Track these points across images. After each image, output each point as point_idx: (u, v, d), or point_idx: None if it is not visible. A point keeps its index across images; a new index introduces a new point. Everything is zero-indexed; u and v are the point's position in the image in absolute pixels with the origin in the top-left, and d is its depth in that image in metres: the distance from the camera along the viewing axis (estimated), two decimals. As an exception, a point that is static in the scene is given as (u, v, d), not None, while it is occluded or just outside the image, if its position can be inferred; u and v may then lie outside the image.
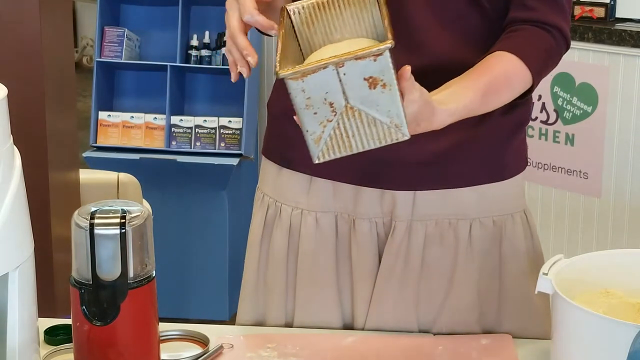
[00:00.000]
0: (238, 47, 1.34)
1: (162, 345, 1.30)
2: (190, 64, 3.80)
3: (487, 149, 1.51)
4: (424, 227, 1.51)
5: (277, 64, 1.20)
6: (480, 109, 1.41)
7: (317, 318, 1.54)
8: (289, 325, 1.56)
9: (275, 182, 1.58)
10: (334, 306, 1.54)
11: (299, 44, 1.34)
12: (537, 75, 1.46)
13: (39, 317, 1.24)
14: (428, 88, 1.31)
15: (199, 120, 3.74)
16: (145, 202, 2.58)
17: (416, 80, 1.25)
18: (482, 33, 1.49)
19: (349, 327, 1.55)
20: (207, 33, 3.81)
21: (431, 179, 1.49)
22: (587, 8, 2.92)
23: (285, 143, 1.55)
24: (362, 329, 1.53)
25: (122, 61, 3.81)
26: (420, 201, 1.50)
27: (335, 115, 1.21)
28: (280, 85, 1.45)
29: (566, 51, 1.51)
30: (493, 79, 1.41)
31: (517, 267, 1.54)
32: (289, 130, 1.47)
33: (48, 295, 1.80)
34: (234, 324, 1.59)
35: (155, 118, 3.76)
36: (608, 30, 2.82)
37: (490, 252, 1.53)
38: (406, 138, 1.24)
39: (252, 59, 1.33)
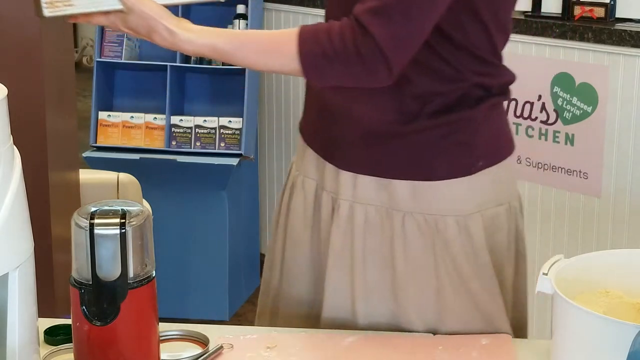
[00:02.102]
0: None
1: (162, 345, 1.30)
2: (190, 64, 3.80)
3: (414, 148, 1.54)
4: (364, 212, 1.56)
5: None
6: (232, 54, 1.46)
7: (294, 280, 1.66)
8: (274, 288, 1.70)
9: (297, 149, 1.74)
10: (306, 269, 1.65)
11: None
12: (308, 63, 1.44)
13: (39, 317, 1.24)
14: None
15: (199, 120, 3.73)
16: (145, 202, 2.58)
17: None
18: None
19: (316, 302, 1.63)
20: (207, 33, 3.81)
21: (369, 164, 1.55)
22: (587, 8, 2.92)
23: (304, 111, 1.70)
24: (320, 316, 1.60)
25: (122, 61, 3.81)
26: (360, 184, 1.56)
27: None
28: None
29: (381, 65, 1.43)
30: (258, 37, 1.51)
31: (453, 268, 1.56)
32: (305, 100, 1.67)
33: (48, 295, 1.80)
34: (234, 324, 1.59)
35: (155, 118, 3.76)
36: (608, 30, 2.82)
37: (424, 249, 1.55)
38: (119, 7, 1.41)
39: None
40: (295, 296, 1.65)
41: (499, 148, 1.61)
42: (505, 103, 1.63)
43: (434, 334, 1.51)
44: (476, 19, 1.50)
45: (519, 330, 1.66)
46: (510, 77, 1.61)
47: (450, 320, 1.55)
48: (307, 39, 1.43)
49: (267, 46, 1.48)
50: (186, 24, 1.48)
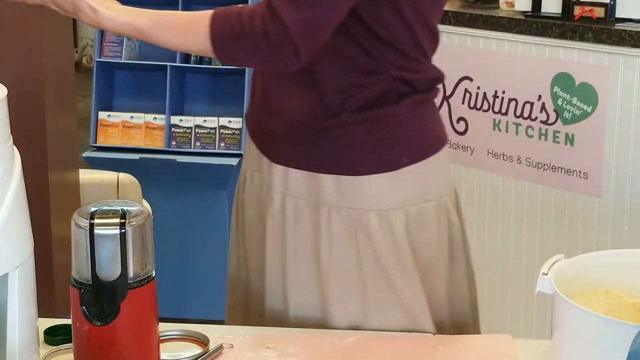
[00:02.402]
0: None
1: (162, 345, 1.30)
2: (190, 64, 3.80)
3: (338, 142, 1.57)
4: (294, 205, 1.60)
5: None
6: (149, 32, 1.49)
7: (258, 275, 1.69)
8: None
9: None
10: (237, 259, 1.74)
11: None
12: (218, 42, 1.46)
13: (39, 317, 1.23)
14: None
15: (198, 120, 3.74)
16: (145, 202, 2.58)
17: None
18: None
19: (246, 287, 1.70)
20: (207, 33, 3.81)
21: (298, 158, 1.59)
22: (587, 8, 2.91)
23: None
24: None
25: (122, 61, 3.81)
26: (291, 177, 1.60)
27: None
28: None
29: (286, 46, 1.45)
30: (175, 17, 1.53)
31: (376, 263, 1.58)
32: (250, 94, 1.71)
33: (48, 295, 1.80)
34: (234, 324, 1.60)
35: (155, 118, 3.76)
36: (608, 30, 2.81)
37: (348, 243, 1.58)
38: None
39: None
40: (262, 290, 1.68)
41: (425, 145, 1.62)
42: (436, 100, 1.66)
43: (356, 329, 1.53)
44: (395, 12, 1.52)
45: (463, 326, 1.68)
46: (437, 75, 1.63)
47: (374, 317, 1.58)
48: (219, 19, 1.46)
49: (182, 26, 1.51)
50: (111, 2, 1.51)
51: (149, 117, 3.77)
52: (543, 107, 3.04)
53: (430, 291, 1.62)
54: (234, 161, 3.67)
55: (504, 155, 3.16)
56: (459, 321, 1.68)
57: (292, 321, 1.60)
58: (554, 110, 3.01)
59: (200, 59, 3.81)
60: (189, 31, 1.49)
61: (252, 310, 1.70)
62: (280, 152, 1.61)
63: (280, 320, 1.61)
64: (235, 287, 1.77)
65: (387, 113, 1.57)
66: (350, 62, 1.54)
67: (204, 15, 1.47)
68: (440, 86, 1.66)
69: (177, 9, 3.73)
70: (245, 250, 1.72)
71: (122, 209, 1.20)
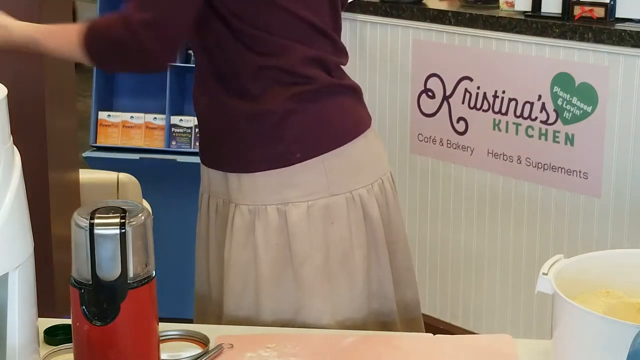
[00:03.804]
0: None
1: (162, 345, 1.30)
2: (190, 64, 3.79)
3: (234, 142, 1.64)
4: (215, 203, 1.72)
5: None
6: (44, 43, 1.60)
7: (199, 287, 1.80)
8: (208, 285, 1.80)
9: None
10: (205, 280, 1.79)
11: None
12: (89, 48, 1.56)
13: (39, 317, 1.23)
14: None
15: (199, 120, 3.73)
16: (145, 202, 2.58)
17: None
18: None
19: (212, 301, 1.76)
20: (207, 33, 3.81)
21: (213, 159, 1.71)
22: (587, 8, 2.91)
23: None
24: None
25: (122, 61, 3.80)
26: (212, 178, 1.72)
27: None
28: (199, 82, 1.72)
29: (137, 40, 1.53)
30: (57, 29, 1.62)
31: (271, 257, 1.64)
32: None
33: (48, 295, 1.80)
34: (234, 324, 1.60)
35: (155, 118, 3.76)
36: (608, 30, 2.81)
37: (246, 239, 1.64)
38: None
39: None
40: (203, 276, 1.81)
41: (321, 139, 1.64)
42: (337, 96, 1.66)
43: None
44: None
45: (387, 325, 1.71)
46: (318, 57, 1.64)
47: (267, 310, 1.64)
48: (89, 28, 1.56)
49: (61, 37, 1.61)
50: (7, 18, 1.62)
51: (149, 117, 3.77)
52: (543, 107, 3.04)
53: (347, 286, 1.63)
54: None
55: (504, 155, 3.16)
56: (382, 320, 1.70)
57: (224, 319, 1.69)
58: (554, 110, 3.01)
59: (200, 59, 3.81)
60: (64, 40, 1.60)
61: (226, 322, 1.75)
62: (204, 155, 1.74)
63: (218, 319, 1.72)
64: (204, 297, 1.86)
65: (269, 109, 1.60)
66: (221, 58, 1.61)
67: (81, 25, 1.57)
68: (339, 73, 1.69)
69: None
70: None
71: (122, 209, 1.20)
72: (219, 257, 1.71)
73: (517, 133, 3.11)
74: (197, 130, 3.73)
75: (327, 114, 1.64)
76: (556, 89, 3.00)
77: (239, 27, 1.58)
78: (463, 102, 3.24)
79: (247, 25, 1.58)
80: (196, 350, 1.41)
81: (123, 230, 1.17)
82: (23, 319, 1.16)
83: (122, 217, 1.18)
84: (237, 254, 1.65)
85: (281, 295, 1.65)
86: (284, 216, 1.61)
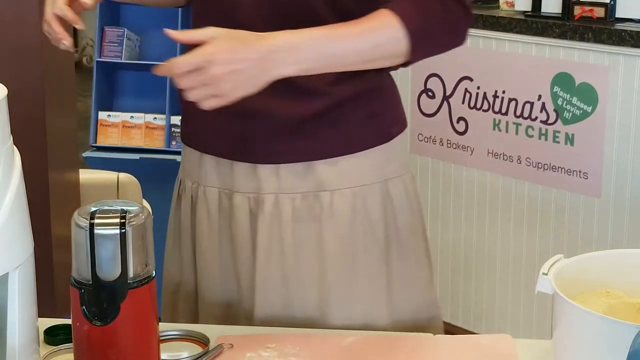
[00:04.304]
0: (54, 31, 1.49)
1: (162, 345, 1.30)
2: (190, 64, 3.79)
3: (332, 125, 1.54)
4: (290, 201, 1.56)
5: None
6: (333, 51, 1.43)
7: (210, 291, 1.64)
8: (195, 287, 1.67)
9: (183, 159, 1.71)
10: (218, 281, 1.63)
11: None
12: (417, 37, 1.44)
13: (39, 317, 1.24)
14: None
15: (199, 120, 3.74)
16: (145, 202, 2.58)
17: None
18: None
19: (236, 307, 1.62)
20: (207, 33, 3.81)
21: (291, 152, 1.54)
22: (587, 8, 2.92)
23: (185, 121, 1.68)
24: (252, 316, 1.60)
25: (122, 61, 3.81)
26: (283, 174, 1.56)
27: None
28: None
29: (466, 21, 1.49)
30: (350, 29, 1.43)
31: (372, 240, 1.58)
32: (187, 109, 1.62)
33: (48, 295, 1.80)
34: (234, 324, 1.60)
35: (155, 118, 3.76)
36: (608, 30, 2.82)
37: (351, 224, 1.57)
38: None
39: (67, 42, 1.50)
40: (214, 300, 1.64)
41: (403, 115, 1.65)
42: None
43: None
44: None
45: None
46: None
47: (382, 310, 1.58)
48: (407, 17, 1.43)
49: (365, 34, 1.45)
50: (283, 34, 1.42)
51: (149, 117, 3.77)
52: (543, 107, 3.04)
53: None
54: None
55: (504, 155, 3.16)
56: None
57: (287, 320, 1.58)
58: (554, 110, 3.01)
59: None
60: (375, 36, 1.44)
61: (203, 315, 1.66)
62: (269, 151, 1.56)
63: (271, 319, 1.58)
64: (170, 289, 1.72)
65: (373, 86, 1.56)
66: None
67: (386, 19, 1.43)
68: None
69: (177, 9, 3.73)
70: (194, 263, 1.67)
71: (122, 209, 1.20)
72: (297, 253, 1.59)
73: (517, 133, 3.11)
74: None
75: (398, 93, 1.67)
76: (556, 89, 3.00)
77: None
78: (463, 102, 3.24)
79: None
80: (196, 350, 1.41)
81: (123, 230, 1.17)
82: (23, 319, 1.17)
83: (122, 217, 1.18)
84: (344, 244, 1.57)
85: (374, 284, 1.60)
86: (388, 192, 1.59)
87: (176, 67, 1.33)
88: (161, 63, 1.36)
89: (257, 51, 1.36)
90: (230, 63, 1.34)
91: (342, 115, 1.54)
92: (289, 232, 1.56)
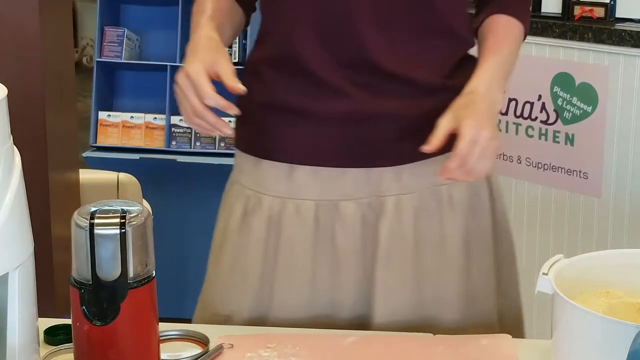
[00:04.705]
0: (210, 123, 1.43)
1: (162, 345, 1.30)
2: (190, 64, 3.79)
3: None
4: (411, 200, 1.54)
5: None
6: (510, 68, 1.55)
7: (292, 307, 1.56)
8: (262, 314, 1.58)
9: (254, 174, 1.60)
10: (307, 295, 1.56)
11: None
12: (527, 24, 1.58)
13: (39, 317, 1.24)
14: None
15: (199, 120, 3.73)
16: (145, 202, 2.58)
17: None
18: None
19: (326, 317, 1.57)
20: (207, 33, 3.81)
21: (412, 151, 1.49)
22: (587, 8, 2.92)
23: (262, 134, 1.58)
24: (367, 322, 1.55)
25: (122, 61, 3.81)
26: (406, 175, 1.54)
27: None
28: (248, 83, 1.49)
29: None
30: (501, 44, 1.55)
31: (482, 228, 1.60)
32: (265, 122, 1.55)
33: (48, 295, 1.80)
34: (234, 324, 1.59)
35: (155, 118, 3.76)
36: (608, 30, 2.82)
37: (467, 213, 1.57)
38: None
39: (228, 131, 1.44)
40: (294, 307, 1.58)
41: None
42: None
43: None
44: None
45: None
46: None
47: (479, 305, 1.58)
48: (524, 18, 1.58)
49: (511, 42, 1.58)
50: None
51: (149, 117, 3.77)
52: (543, 107, 3.04)
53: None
54: (234, 161, 3.67)
55: (504, 155, 3.16)
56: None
57: (407, 322, 1.55)
58: (554, 110, 3.01)
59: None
60: (516, 40, 1.58)
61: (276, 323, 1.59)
62: (389, 154, 1.53)
63: (393, 323, 1.55)
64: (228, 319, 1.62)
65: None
66: (468, 42, 1.61)
67: (510, 22, 1.57)
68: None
69: (177, 9, 3.74)
70: (274, 272, 1.57)
71: (122, 209, 1.20)
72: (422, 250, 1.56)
73: (517, 133, 3.11)
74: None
75: None
76: (556, 89, 3.00)
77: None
78: (463, 102, 3.24)
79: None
80: (196, 350, 1.41)
81: (123, 230, 1.17)
82: (23, 319, 1.17)
83: (122, 217, 1.18)
84: (459, 227, 1.57)
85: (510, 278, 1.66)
86: (490, 180, 1.62)
87: (463, 153, 1.39)
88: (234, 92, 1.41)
89: (483, 100, 1.47)
90: (485, 121, 1.43)
91: None
92: (410, 232, 1.54)
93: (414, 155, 1.49)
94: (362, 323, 1.56)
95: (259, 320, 1.58)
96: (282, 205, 1.55)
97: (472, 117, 1.41)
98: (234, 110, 1.42)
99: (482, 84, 1.48)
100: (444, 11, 1.54)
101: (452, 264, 1.56)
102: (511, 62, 1.56)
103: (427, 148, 1.39)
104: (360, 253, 1.55)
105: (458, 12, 1.57)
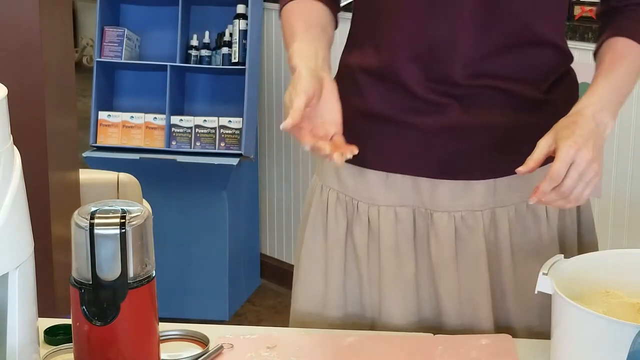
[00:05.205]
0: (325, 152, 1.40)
1: (162, 345, 1.30)
2: (190, 63, 3.80)
3: (550, 127, 1.46)
4: (506, 214, 1.53)
5: None
6: (624, 93, 1.54)
7: (398, 312, 1.57)
8: (373, 320, 1.59)
9: (350, 181, 1.59)
10: (413, 301, 1.57)
11: None
12: None
13: (39, 317, 1.24)
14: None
15: (199, 120, 3.74)
16: (145, 202, 2.58)
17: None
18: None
19: (431, 324, 1.58)
20: (207, 33, 3.82)
21: (508, 164, 1.45)
22: (587, 8, 2.91)
23: (356, 143, 1.52)
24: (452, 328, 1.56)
25: (122, 61, 3.81)
26: (500, 187, 1.52)
27: None
28: (342, 88, 1.46)
29: None
30: (617, 66, 1.53)
31: (573, 239, 1.59)
32: (358, 130, 1.51)
33: (48, 295, 1.80)
34: (234, 324, 1.59)
35: (155, 118, 3.76)
36: (608, 30, 2.82)
37: (562, 228, 1.56)
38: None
39: (354, 151, 1.40)
40: (400, 312, 1.58)
41: None
42: None
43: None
44: None
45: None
46: None
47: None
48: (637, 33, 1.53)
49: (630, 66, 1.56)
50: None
51: (149, 117, 3.77)
52: (543, 107, 3.04)
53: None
54: (234, 161, 3.67)
55: (504, 155, 3.16)
56: None
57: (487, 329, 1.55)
58: (554, 110, 3.01)
59: (200, 59, 3.82)
60: (635, 65, 1.56)
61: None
62: (484, 167, 1.52)
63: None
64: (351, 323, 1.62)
65: (555, 97, 1.57)
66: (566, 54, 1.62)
67: (629, 45, 1.54)
68: None
69: (177, 9, 3.74)
70: (380, 278, 1.58)
71: (122, 209, 1.20)
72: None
73: (517, 133, 3.11)
74: (221, 130, 3.73)
75: None
76: (556, 89, 3.00)
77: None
78: (463, 102, 3.24)
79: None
80: (196, 350, 1.41)
81: (123, 230, 1.17)
82: (23, 319, 1.17)
83: (122, 217, 1.18)
84: (554, 240, 1.55)
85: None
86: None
87: (558, 174, 1.34)
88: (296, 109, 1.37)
89: (589, 122, 1.40)
90: (587, 143, 1.36)
91: (554, 121, 1.46)
92: (507, 246, 1.54)
93: (510, 169, 1.45)
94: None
95: (367, 327, 1.60)
96: (379, 212, 1.56)
97: (572, 137, 1.36)
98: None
99: (590, 106, 1.43)
100: (541, 24, 1.52)
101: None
102: (627, 85, 1.52)
103: (522, 169, 1.35)
104: (454, 265, 1.55)
105: (556, 25, 1.56)
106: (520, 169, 1.36)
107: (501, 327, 1.56)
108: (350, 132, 1.49)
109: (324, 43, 1.50)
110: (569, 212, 1.57)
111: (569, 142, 1.35)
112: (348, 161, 1.52)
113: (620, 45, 1.53)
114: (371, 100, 1.55)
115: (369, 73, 1.55)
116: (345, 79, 1.57)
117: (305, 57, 1.42)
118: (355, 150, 1.39)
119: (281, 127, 1.38)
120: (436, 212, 1.54)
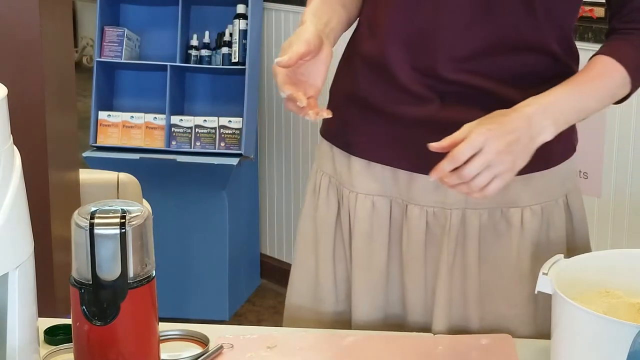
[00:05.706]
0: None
1: (162, 345, 1.30)
2: (190, 63, 3.80)
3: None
4: (477, 217, 1.52)
5: None
6: (580, 107, 1.45)
7: (367, 303, 1.58)
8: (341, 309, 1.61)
9: (334, 164, 1.61)
10: (382, 291, 1.58)
11: None
12: (636, 76, 1.49)
13: (39, 317, 1.24)
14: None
15: (199, 120, 3.74)
16: (145, 202, 2.57)
17: None
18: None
19: (396, 320, 1.58)
20: (207, 33, 3.82)
21: None
22: (587, 8, 2.91)
23: (344, 127, 1.58)
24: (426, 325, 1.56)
25: (122, 61, 3.81)
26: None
27: None
28: (341, 70, 1.52)
29: None
30: (585, 79, 1.46)
31: (560, 252, 1.53)
32: (348, 115, 1.54)
33: (48, 295, 1.80)
34: (234, 324, 1.59)
35: (155, 118, 3.76)
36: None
37: (540, 240, 1.54)
38: None
39: (329, 113, 1.41)
40: (368, 304, 1.59)
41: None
42: None
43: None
44: None
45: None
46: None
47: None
48: (624, 56, 1.48)
49: (597, 82, 1.49)
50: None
51: (149, 117, 3.77)
52: (543, 107, 3.04)
53: None
54: (234, 161, 3.67)
55: (504, 155, 3.16)
56: None
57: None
58: (554, 110, 3.01)
59: (201, 59, 3.81)
60: (605, 82, 1.50)
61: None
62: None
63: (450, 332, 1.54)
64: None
65: None
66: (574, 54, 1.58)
67: (608, 64, 1.48)
68: None
69: (177, 9, 3.74)
70: (402, 275, 1.59)
71: (122, 209, 1.20)
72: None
73: (517, 133, 3.11)
74: (221, 130, 3.73)
75: None
76: (556, 89, 3.00)
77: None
78: (463, 102, 3.24)
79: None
80: (196, 350, 1.41)
81: (123, 230, 1.17)
82: (23, 319, 1.17)
83: (122, 217, 1.18)
84: (527, 257, 1.53)
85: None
86: (567, 205, 1.56)
87: (458, 155, 1.32)
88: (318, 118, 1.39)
89: (520, 118, 1.37)
90: (504, 135, 1.34)
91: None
92: (473, 248, 1.53)
93: None
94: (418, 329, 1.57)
95: (340, 317, 1.62)
96: (357, 200, 1.57)
97: (488, 125, 1.36)
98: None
99: (533, 105, 1.40)
100: (536, 32, 1.49)
101: (517, 282, 1.54)
102: (590, 102, 1.47)
103: (435, 145, 1.34)
104: (422, 260, 1.55)
105: (556, 34, 1.52)
106: (432, 144, 1.35)
107: (460, 332, 1.55)
108: (340, 116, 1.52)
109: (338, 17, 1.52)
110: (554, 226, 1.55)
111: (483, 129, 1.34)
112: (340, 146, 1.58)
113: (600, 64, 1.49)
114: (362, 86, 1.56)
115: (363, 58, 1.56)
116: (345, 61, 1.60)
117: (317, 18, 1.46)
118: (330, 113, 1.40)
119: (275, 61, 1.38)
120: (410, 205, 1.54)
